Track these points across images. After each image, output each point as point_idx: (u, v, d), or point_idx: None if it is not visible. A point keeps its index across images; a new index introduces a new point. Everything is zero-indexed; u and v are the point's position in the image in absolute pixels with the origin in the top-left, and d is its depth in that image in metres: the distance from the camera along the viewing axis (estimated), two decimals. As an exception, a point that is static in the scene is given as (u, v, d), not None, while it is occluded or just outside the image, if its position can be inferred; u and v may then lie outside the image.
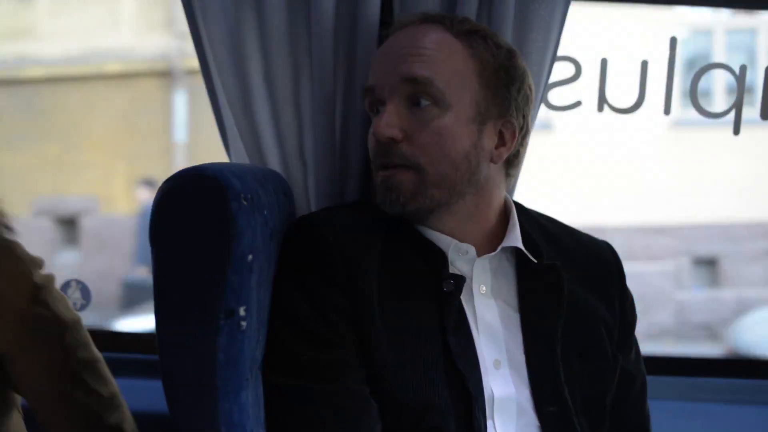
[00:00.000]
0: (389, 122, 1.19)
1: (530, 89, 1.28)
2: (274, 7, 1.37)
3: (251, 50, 1.39)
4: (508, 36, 1.37)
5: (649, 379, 1.37)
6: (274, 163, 1.43)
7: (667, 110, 1.56)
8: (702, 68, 1.55)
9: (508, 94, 1.23)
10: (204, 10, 1.39)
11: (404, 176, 1.20)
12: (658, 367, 1.68)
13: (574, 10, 1.43)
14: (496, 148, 1.24)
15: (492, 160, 1.24)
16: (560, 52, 1.46)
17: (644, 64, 1.55)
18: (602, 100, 1.58)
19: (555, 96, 1.58)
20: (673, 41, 1.56)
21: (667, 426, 1.45)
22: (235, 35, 1.39)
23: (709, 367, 1.82)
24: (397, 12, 1.40)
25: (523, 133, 1.27)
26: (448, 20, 1.25)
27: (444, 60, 1.21)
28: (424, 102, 1.19)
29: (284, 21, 1.38)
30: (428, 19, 1.25)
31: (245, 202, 1.08)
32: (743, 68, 1.53)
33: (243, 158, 1.45)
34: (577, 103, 1.58)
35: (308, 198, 1.43)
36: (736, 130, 1.55)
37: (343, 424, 1.12)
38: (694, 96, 1.55)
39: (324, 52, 1.38)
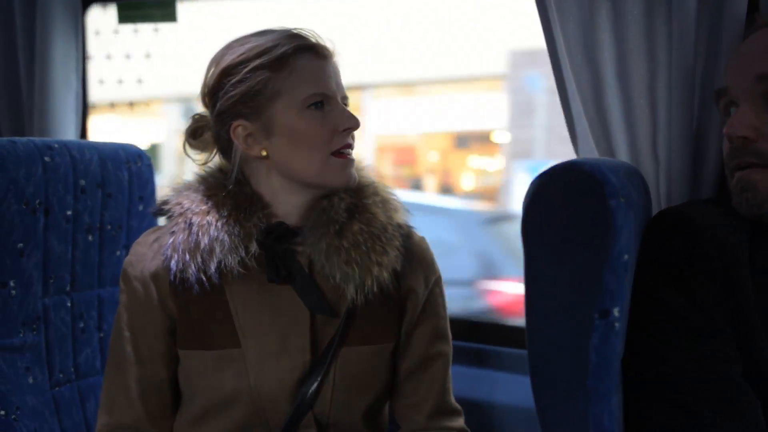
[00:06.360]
0: (742, 121, 1.13)
1: None
2: (631, 1, 1.32)
3: (605, 45, 1.35)
4: None
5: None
6: (623, 157, 1.38)
7: None
8: None
9: None
10: (559, 4, 1.37)
11: (760, 175, 1.13)
12: None
13: None
14: None
15: None
16: None
17: None
18: None
19: None
20: None
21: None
22: (590, 29, 1.36)
23: None
24: (763, 5, 1.30)
25: None
26: None
27: None
28: None
29: (642, 14, 1.33)
30: None
31: (623, 200, 1.04)
32: None
33: (591, 152, 1.41)
34: None
35: (659, 195, 1.37)
36: None
37: (728, 415, 1.05)
38: None
39: (684, 47, 1.31)
